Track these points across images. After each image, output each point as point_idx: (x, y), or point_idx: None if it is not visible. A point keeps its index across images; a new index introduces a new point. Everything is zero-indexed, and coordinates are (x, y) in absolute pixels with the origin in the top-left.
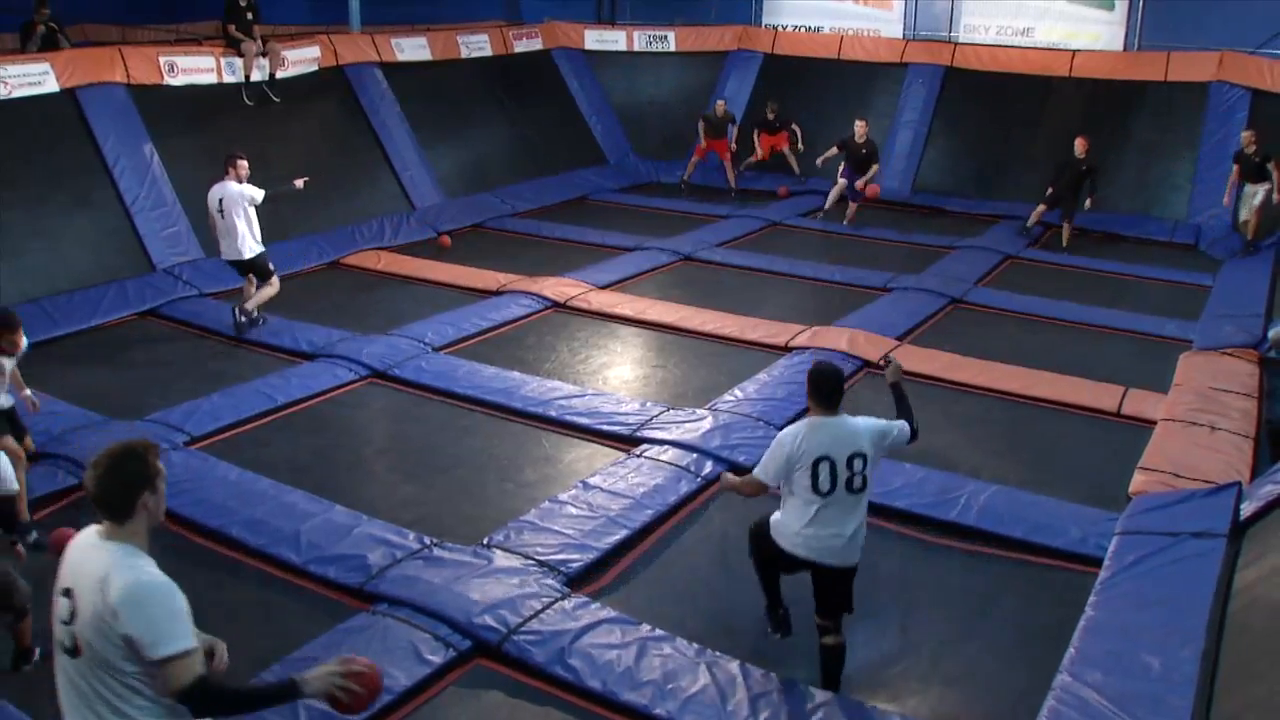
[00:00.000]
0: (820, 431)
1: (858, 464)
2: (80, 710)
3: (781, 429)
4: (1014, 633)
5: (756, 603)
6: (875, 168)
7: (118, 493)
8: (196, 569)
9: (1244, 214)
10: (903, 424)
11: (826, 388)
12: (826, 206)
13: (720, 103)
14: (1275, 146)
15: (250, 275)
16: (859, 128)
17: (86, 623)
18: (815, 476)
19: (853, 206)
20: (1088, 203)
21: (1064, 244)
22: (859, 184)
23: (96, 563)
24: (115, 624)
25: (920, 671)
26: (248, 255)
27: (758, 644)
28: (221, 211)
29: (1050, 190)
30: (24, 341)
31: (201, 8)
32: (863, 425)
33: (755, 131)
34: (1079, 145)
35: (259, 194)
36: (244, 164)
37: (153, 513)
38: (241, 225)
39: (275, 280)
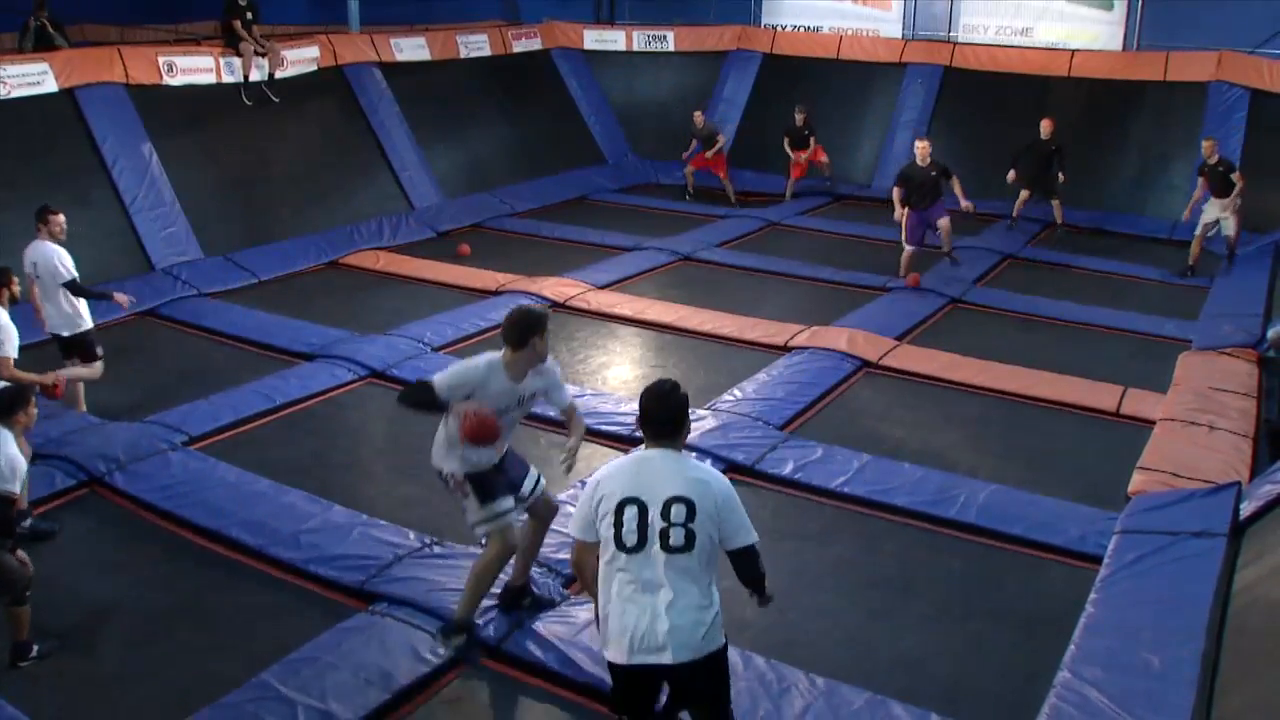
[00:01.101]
0: (636, 467)
1: (677, 511)
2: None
3: (781, 429)
4: (1013, 625)
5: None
6: (955, 181)
7: (519, 331)
8: (196, 569)
9: (1199, 227)
10: (751, 537)
11: (655, 412)
12: (902, 272)
13: (698, 114)
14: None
15: (74, 356)
16: (920, 149)
17: None
18: (619, 524)
19: (947, 233)
20: (1055, 203)
21: (1059, 221)
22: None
23: (482, 356)
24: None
25: (920, 662)
26: (66, 333)
27: (758, 635)
28: (38, 276)
29: (1014, 174)
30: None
31: (200, 7)
32: (706, 476)
33: (785, 140)
34: (1045, 126)
35: (68, 269)
36: (58, 220)
37: (539, 352)
38: (62, 295)
39: (99, 364)
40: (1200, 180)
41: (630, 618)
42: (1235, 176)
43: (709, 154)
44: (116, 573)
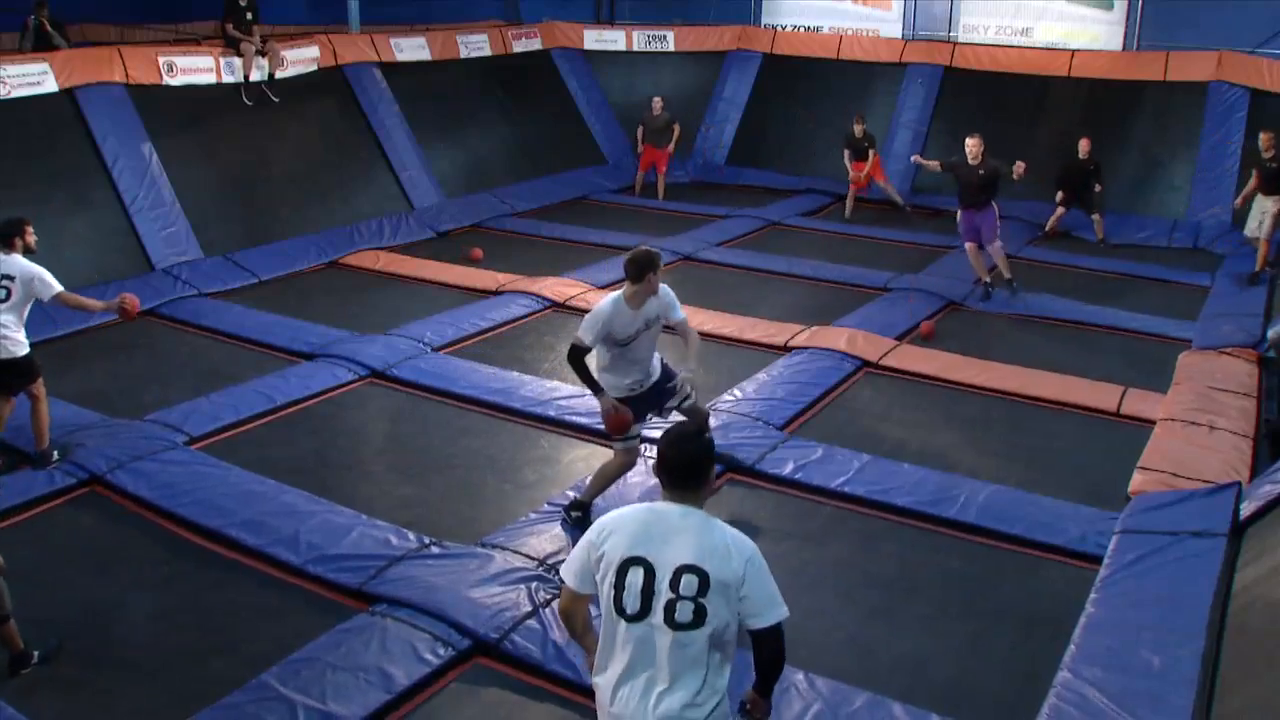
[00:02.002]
0: (648, 522)
1: (687, 583)
2: None
3: (781, 429)
4: (1013, 625)
5: None
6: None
7: (638, 268)
8: (196, 569)
9: (1250, 227)
10: (779, 612)
11: (674, 458)
12: (975, 270)
13: (657, 101)
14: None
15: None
16: (971, 146)
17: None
18: (619, 586)
19: (1000, 256)
20: (1095, 217)
21: (1099, 237)
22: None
23: (607, 297)
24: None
25: (920, 662)
26: (21, 353)
27: None
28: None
29: (1061, 194)
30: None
31: (200, 7)
32: (728, 540)
33: (845, 152)
34: (1083, 146)
35: (55, 284)
36: (30, 231)
37: (654, 285)
38: (19, 316)
39: (41, 385)
40: (1255, 173)
41: (621, 700)
42: None
43: (668, 146)
44: (116, 572)
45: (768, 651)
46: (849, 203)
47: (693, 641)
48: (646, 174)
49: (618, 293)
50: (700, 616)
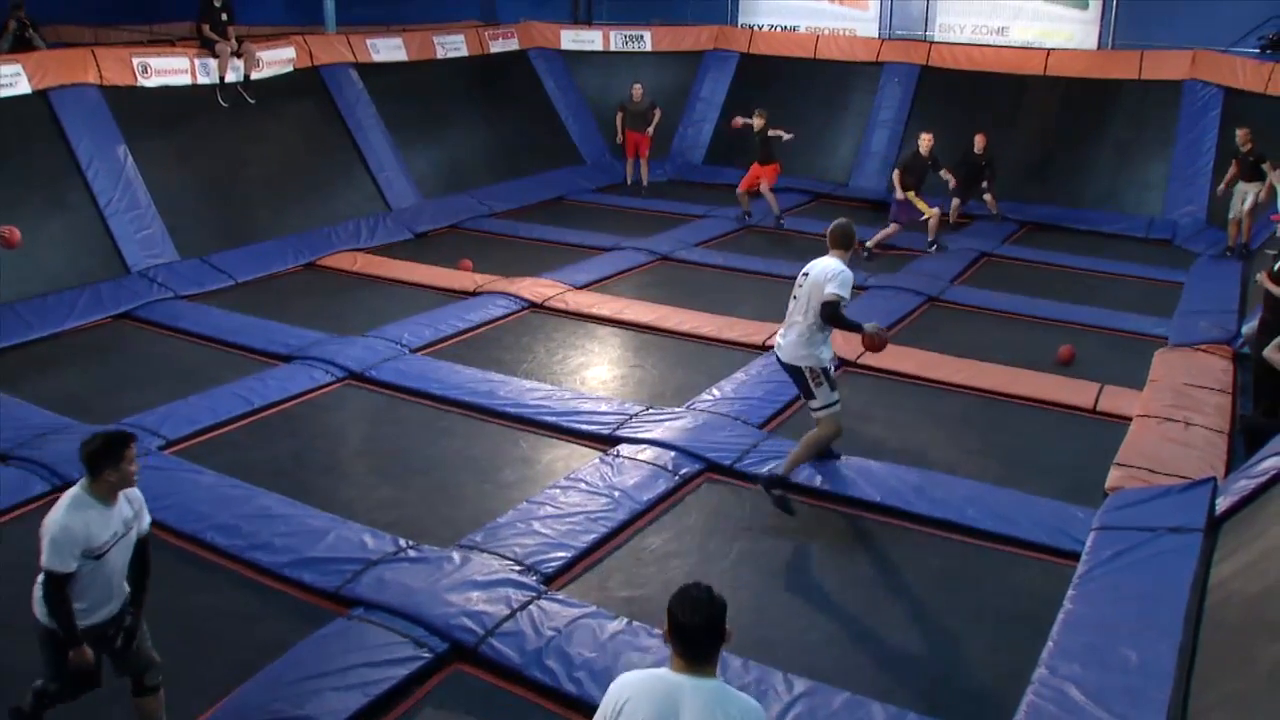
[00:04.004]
0: (662, 699)
1: None
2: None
3: (760, 428)
4: (992, 622)
5: (736, 596)
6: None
7: (849, 237)
8: (173, 573)
9: (1233, 212)
10: None
11: (690, 624)
12: (872, 242)
13: (637, 87)
14: (1264, 147)
15: None
16: (926, 141)
17: None
18: None
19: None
20: (988, 198)
21: (951, 220)
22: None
23: (840, 265)
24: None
25: (899, 660)
26: None
27: (735, 635)
28: None
29: (955, 184)
30: None
31: (175, 8)
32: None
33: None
34: (978, 142)
35: None
36: None
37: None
38: None
39: None
40: (1234, 162)
41: None
42: (1267, 166)
43: (649, 131)
44: None
45: None
46: (776, 208)
47: None
48: (634, 161)
49: (836, 258)
50: None
